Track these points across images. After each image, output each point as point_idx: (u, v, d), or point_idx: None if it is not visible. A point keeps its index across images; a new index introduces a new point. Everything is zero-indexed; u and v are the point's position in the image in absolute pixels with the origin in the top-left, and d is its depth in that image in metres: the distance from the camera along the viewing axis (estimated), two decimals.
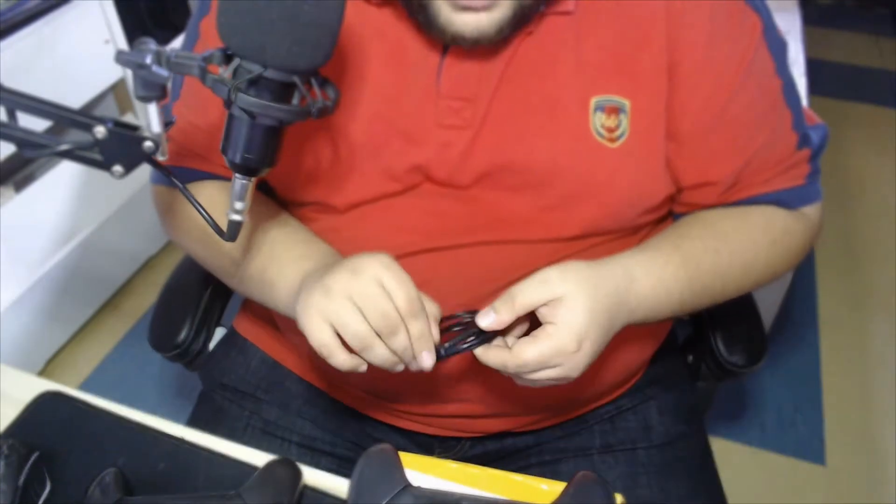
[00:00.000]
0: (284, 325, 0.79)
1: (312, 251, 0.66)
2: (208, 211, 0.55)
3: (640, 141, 0.64)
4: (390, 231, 0.67)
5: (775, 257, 0.69)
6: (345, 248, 0.67)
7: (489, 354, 0.58)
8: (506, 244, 0.67)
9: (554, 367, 0.57)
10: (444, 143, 0.64)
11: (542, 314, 0.57)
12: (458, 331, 0.61)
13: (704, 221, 0.69)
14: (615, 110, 0.63)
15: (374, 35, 0.63)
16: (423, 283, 0.61)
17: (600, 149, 0.63)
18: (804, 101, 1.38)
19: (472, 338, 0.59)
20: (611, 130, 0.63)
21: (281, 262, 0.66)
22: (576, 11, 0.62)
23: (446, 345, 0.59)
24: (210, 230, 0.56)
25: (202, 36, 0.68)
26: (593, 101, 0.63)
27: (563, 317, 0.56)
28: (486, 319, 0.57)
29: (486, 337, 0.58)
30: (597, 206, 0.65)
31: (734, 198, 0.69)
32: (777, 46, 0.66)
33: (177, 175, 0.63)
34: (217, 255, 0.71)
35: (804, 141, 0.69)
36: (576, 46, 0.62)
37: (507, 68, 0.63)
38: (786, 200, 0.70)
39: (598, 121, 0.63)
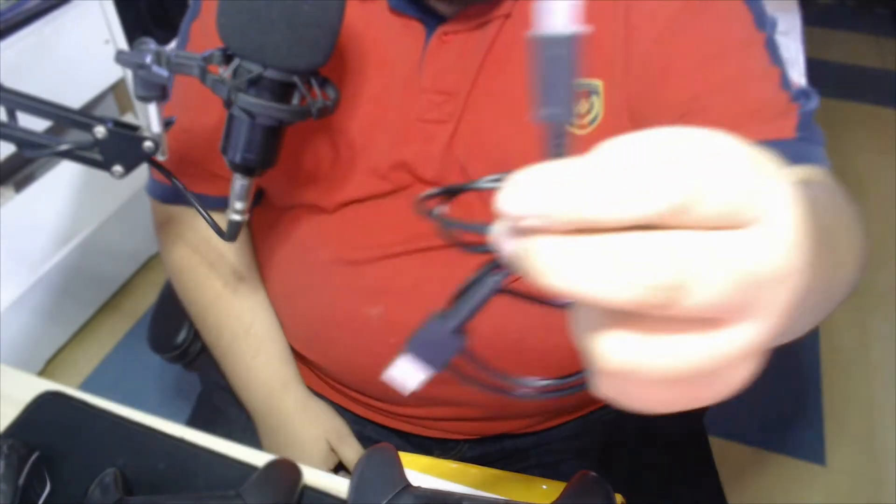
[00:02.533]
0: (285, 324, 0.79)
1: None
2: (204, 225, 0.55)
3: (617, 118, 0.61)
4: (380, 231, 0.67)
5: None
6: (333, 248, 0.66)
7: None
8: None
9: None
10: (427, 137, 0.64)
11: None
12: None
13: None
14: (586, 94, 0.61)
15: (364, 31, 0.63)
16: (413, 286, 0.60)
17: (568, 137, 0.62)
18: None
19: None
20: (580, 117, 0.61)
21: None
22: None
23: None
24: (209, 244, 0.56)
25: (192, 39, 0.68)
26: None
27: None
28: None
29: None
30: None
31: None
32: (758, 10, 0.60)
33: (170, 193, 0.62)
34: (206, 280, 0.73)
35: (794, 98, 0.61)
36: None
37: (486, 59, 0.62)
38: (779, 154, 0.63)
39: None
